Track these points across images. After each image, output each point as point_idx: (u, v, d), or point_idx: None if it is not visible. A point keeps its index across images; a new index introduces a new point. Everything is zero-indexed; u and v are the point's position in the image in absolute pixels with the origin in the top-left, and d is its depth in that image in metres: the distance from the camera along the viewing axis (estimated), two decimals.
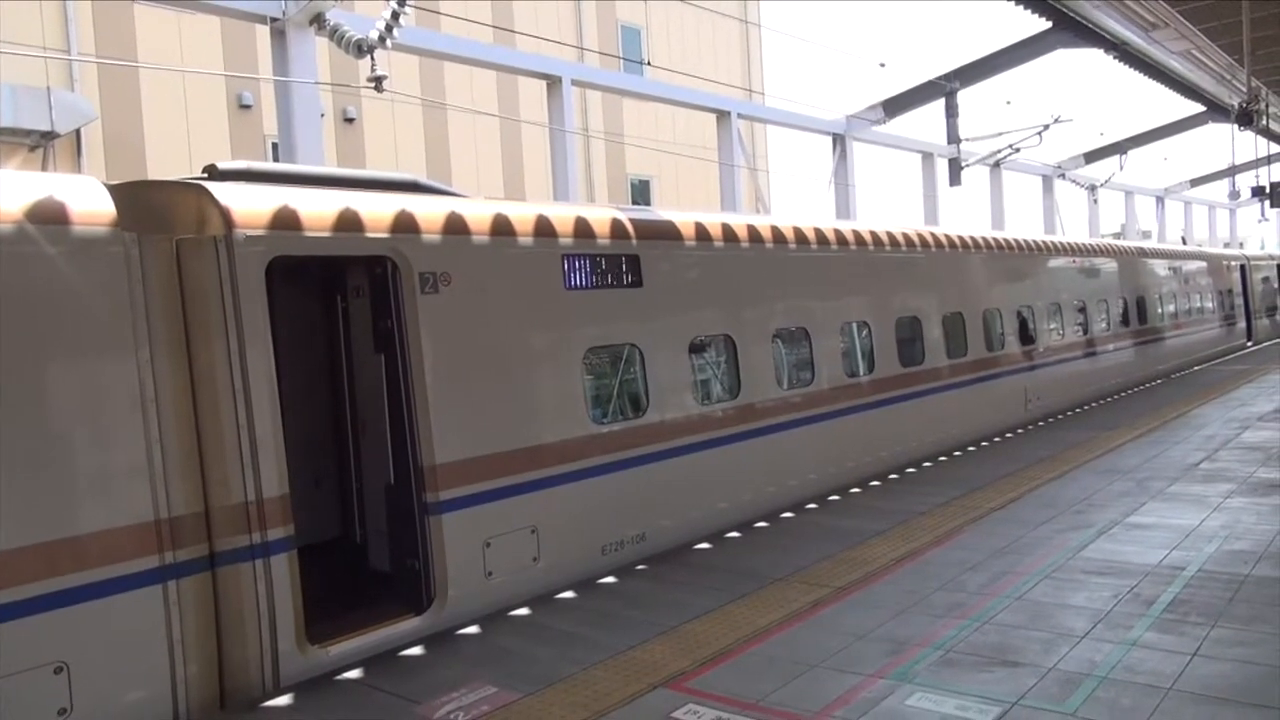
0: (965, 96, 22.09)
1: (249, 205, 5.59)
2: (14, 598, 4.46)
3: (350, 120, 18.50)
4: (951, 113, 21.98)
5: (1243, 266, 28.10)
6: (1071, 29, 18.31)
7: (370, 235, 6.13)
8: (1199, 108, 27.47)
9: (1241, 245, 45.57)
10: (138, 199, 5.33)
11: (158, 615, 4.96)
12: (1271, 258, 32.93)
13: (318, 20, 11.50)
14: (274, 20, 11.54)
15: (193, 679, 5.08)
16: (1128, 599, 6.07)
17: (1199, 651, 5.15)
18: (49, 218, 4.79)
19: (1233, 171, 36.35)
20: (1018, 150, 25.51)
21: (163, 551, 4.99)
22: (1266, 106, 17.72)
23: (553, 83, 15.96)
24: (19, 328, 4.63)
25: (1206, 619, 5.62)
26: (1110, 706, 4.57)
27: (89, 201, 5.00)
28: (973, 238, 13.57)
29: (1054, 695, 4.73)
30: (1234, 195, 41.48)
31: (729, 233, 9.08)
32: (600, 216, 7.89)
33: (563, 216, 7.54)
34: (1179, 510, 8.29)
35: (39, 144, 14.08)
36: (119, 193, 5.20)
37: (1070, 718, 4.49)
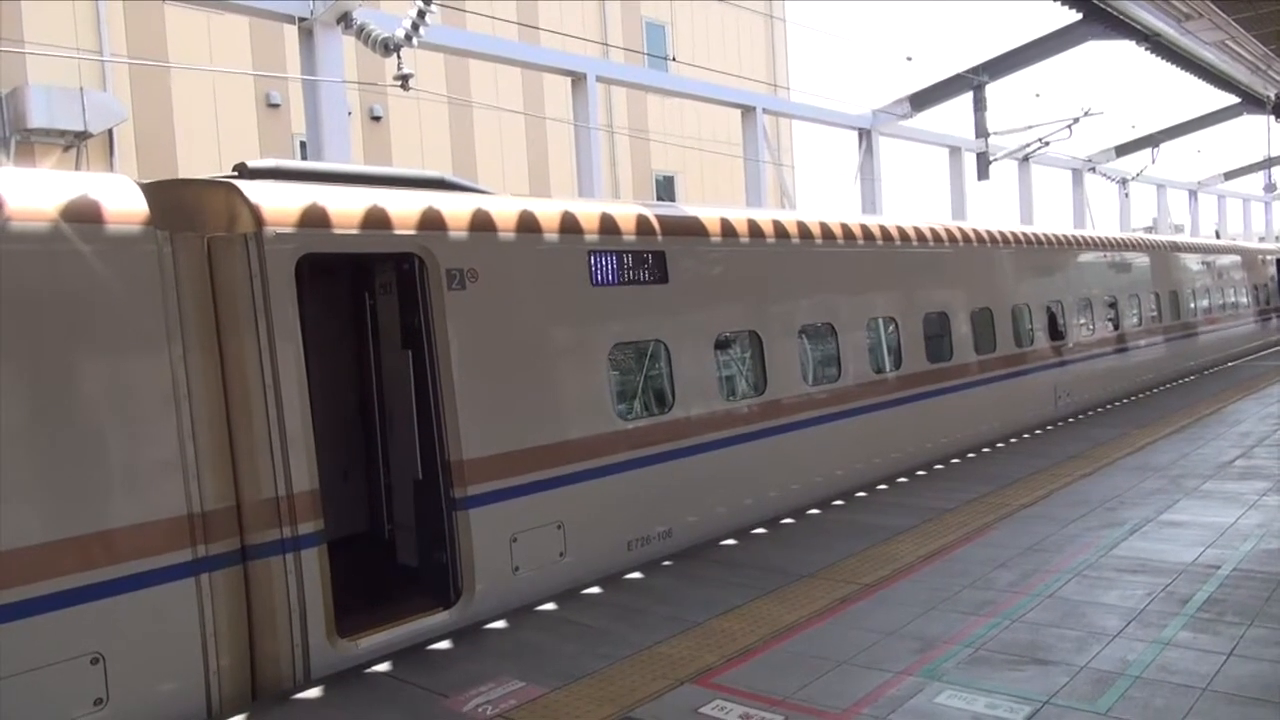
0: (993, 90, 21.83)
1: (278, 203, 5.65)
2: (53, 589, 4.54)
3: (377, 118, 18.63)
4: (979, 106, 21.75)
5: (1278, 260, 27.60)
6: (1102, 21, 18.05)
7: (397, 232, 6.17)
8: (1233, 99, 26.99)
9: (1277, 239, 44.77)
10: (169, 197, 5.39)
11: (191, 608, 5.03)
12: None
13: (345, 19, 11.59)
14: (302, 20, 11.64)
15: (225, 671, 5.15)
16: (1161, 597, 5.98)
17: (1234, 651, 5.07)
18: (83, 216, 4.86)
19: (1268, 164, 35.75)
20: (1047, 144, 25.20)
21: (195, 545, 5.06)
22: None
23: (577, 79, 15.98)
24: (55, 325, 4.71)
25: (1242, 618, 5.53)
26: (1143, 706, 4.52)
27: (122, 200, 5.07)
28: (1001, 232, 13.42)
29: (1086, 694, 4.67)
30: (1270, 188, 40.78)
31: (754, 228, 9.04)
32: (625, 213, 7.89)
33: (588, 213, 7.55)
34: (1213, 508, 8.16)
35: (73, 144, 14.31)
36: (151, 191, 5.27)
37: (1103, 717, 4.43)
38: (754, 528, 8.29)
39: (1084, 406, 14.68)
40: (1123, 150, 31.93)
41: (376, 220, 6.09)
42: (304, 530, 5.45)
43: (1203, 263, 21.25)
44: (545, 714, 4.82)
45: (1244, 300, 23.95)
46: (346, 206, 6.00)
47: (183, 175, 10.70)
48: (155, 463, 4.99)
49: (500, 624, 6.20)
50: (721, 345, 8.59)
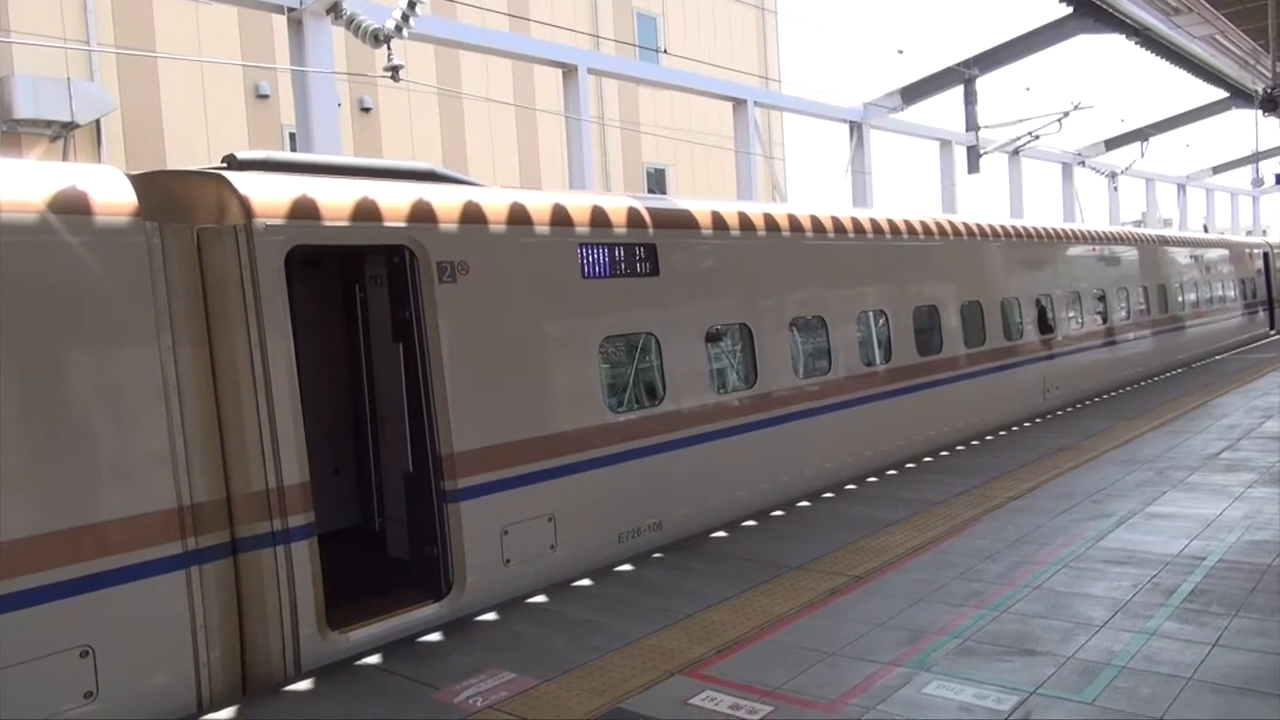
0: (984, 83, 21.96)
1: (268, 195, 5.62)
2: (42, 582, 4.53)
3: (367, 110, 18.54)
4: (970, 100, 21.83)
5: (1265, 254, 27.77)
6: (1092, 14, 18.13)
7: (388, 224, 6.15)
8: (1222, 93, 27.15)
9: (1264, 233, 45.03)
10: (158, 189, 5.37)
11: (181, 601, 5.02)
12: None
13: (334, 10, 11.53)
14: (291, 10, 11.58)
15: (215, 664, 5.15)
16: (1147, 588, 6.03)
17: (1219, 641, 5.12)
18: (72, 208, 4.83)
19: (1256, 158, 35.93)
20: (1037, 137, 25.31)
21: (186, 538, 5.04)
22: None
23: (568, 71, 15.95)
24: (43, 317, 4.68)
25: (1227, 609, 5.59)
26: (1129, 696, 4.56)
27: (111, 191, 5.04)
28: (991, 226, 13.46)
29: (1072, 684, 4.72)
30: (1257, 182, 40.99)
31: (745, 221, 9.05)
32: (617, 205, 7.88)
33: (579, 205, 7.54)
34: (1200, 500, 8.23)
35: (59, 134, 14.21)
36: (140, 182, 5.24)
37: (1089, 707, 4.48)
38: (744, 520, 8.32)
39: (1072, 399, 14.76)
40: (1112, 144, 32.09)
41: (367, 212, 6.07)
42: (294, 523, 5.45)
43: (1191, 256, 21.36)
44: (536, 705, 4.83)
45: (1231, 294, 24.09)
46: (337, 198, 5.98)
47: (171, 166, 10.64)
48: (145, 455, 4.97)
49: (491, 616, 6.21)
50: (712, 338, 8.60)
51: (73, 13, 14.65)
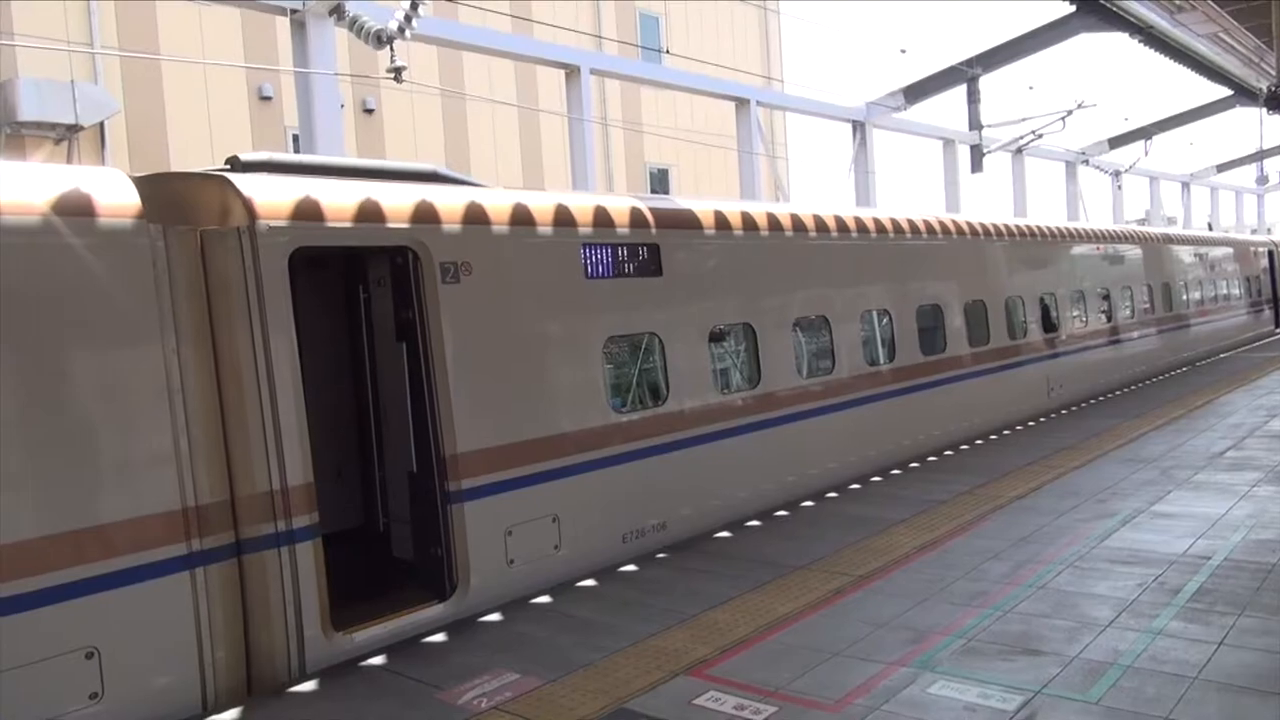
0: (987, 82, 21.93)
1: (271, 196, 5.63)
2: (47, 584, 4.54)
3: (370, 111, 18.56)
4: (973, 99, 21.81)
5: (1270, 252, 27.70)
6: (1095, 12, 18.08)
7: (391, 226, 6.16)
8: (1226, 91, 27.06)
9: (1269, 231, 44.93)
10: (162, 191, 5.38)
11: (186, 602, 5.03)
12: None
13: (337, 11, 11.55)
14: (294, 12, 11.60)
15: (220, 665, 5.16)
16: (1152, 588, 6.02)
17: (1225, 641, 5.11)
18: (76, 210, 4.84)
19: (1260, 156, 35.88)
20: (1040, 136, 25.26)
21: (190, 539, 5.06)
22: None
23: (571, 72, 15.96)
24: (47, 319, 4.69)
25: (1233, 608, 5.57)
26: (1134, 696, 4.55)
27: (114, 194, 5.05)
28: (994, 225, 13.44)
29: (1077, 684, 4.71)
30: (1262, 180, 40.95)
31: (748, 221, 9.05)
32: (619, 206, 7.88)
33: (582, 206, 7.55)
34: (1205, 499, 8.21)
35: (64, 137, 14.25)
36: (144, 185, 5.26)
37: (1094, 707, 4.47)
38: (748, 520, 8.31)
39: (1077, 398, 14.73)
40: (1116, 142, 32.03)
41: (370, 213, 6.08)
42: (298, 524, 5.45)
43: (1195, 255, 21.32)
44: (540, 706, 4.84)
45: (1236, 292, 24.03)
46: (340, 200, 5.99)
47: (175, 168, 10.66)
48: (149, 457, 4.98)
49: (495, 617, 6.21)
50: (715, 338, 8.60)
51: (76, 16, 14.69)
